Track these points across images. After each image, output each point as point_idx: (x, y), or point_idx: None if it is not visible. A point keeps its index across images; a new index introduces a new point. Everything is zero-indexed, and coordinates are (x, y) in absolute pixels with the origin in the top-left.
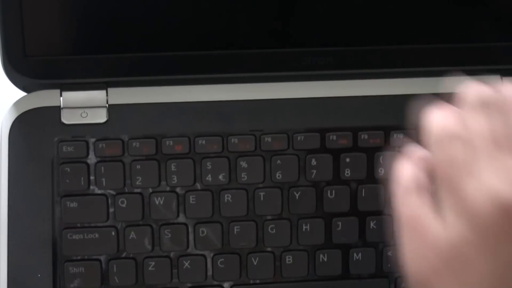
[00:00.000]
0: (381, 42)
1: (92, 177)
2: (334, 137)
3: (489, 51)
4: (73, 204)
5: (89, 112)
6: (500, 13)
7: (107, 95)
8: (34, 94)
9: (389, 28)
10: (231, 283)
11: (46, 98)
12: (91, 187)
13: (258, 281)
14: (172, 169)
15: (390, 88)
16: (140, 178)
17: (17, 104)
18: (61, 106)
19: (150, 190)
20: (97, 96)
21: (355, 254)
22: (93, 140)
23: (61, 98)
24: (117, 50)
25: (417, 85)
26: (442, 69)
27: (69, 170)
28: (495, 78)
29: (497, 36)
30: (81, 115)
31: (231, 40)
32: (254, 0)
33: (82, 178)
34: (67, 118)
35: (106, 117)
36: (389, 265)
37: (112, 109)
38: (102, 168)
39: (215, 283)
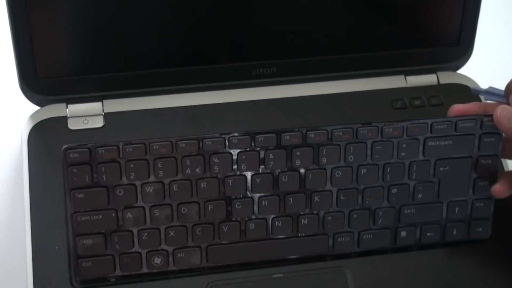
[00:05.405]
0: (313, 54)
1: (95, 175)
2: (288, 137)
3: (394, 56)
4: (81, 195)
5: (89, 119)
6: (400, 25)
7: (103, 106)
8: (46, 107)
9: (318, 44)
10: (207, 244)
11: (55, 110)
12: (94, 181)
13: (227, 242)
14: (159, 166)
15: (327, 88)
16: (134, 174)
17: (32, 116)
18: (68, 116)
19: (142, 182)
20: (95, 107)
21: (302, 220)
22: (94, 146)
23: (67, 109)
24: (109, 70)
25: (346, 85)
26: (359, 73)
27: (75, 171)
28: (400, 78)
29: (400, 44)
30: (83, 122)
31: (199, 59)
32: (215, 30)
33: (86, 176)
34: (73, 125)
35: (103, 122)
36: (328, 226)
37: (107, 116)
38: (103, 168)
39: (194, 244)
